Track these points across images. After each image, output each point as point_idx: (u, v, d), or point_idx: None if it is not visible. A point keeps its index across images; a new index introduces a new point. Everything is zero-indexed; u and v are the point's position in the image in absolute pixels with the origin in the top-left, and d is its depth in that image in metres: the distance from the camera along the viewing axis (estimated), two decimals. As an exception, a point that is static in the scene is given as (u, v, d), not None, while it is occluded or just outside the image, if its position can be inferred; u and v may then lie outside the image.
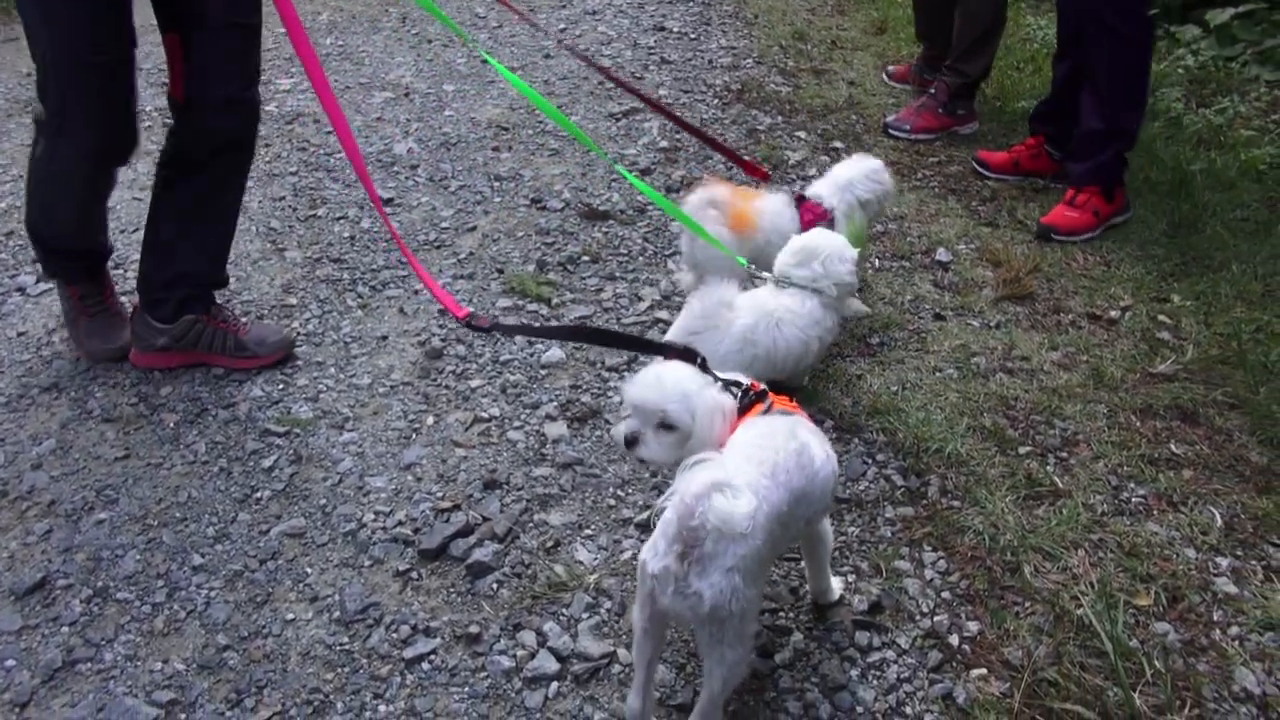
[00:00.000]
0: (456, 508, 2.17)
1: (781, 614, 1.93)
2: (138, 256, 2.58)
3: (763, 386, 1.81)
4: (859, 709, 1.75)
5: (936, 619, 1.92)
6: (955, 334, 2.78)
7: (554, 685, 1.79)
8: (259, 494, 2.22)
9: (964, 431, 2.38)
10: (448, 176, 3.63)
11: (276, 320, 2.81)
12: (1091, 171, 3.28)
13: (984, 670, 1.81)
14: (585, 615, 1.92)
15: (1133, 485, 2.25)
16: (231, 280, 2.93)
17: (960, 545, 2.07)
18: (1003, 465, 2.29)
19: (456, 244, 3.20)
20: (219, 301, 2.66)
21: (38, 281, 2.94)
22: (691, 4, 5.55)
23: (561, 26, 5.16)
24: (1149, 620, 1.91)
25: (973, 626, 1.90)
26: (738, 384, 1.80)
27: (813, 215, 2.62)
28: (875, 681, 1.80)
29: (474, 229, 3.29)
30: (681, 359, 1.81)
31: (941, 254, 3.17)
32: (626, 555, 2.06)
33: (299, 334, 2.75)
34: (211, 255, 2.60)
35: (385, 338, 2.75)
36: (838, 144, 3.88)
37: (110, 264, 2.75)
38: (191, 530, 2.13)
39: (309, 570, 2.03)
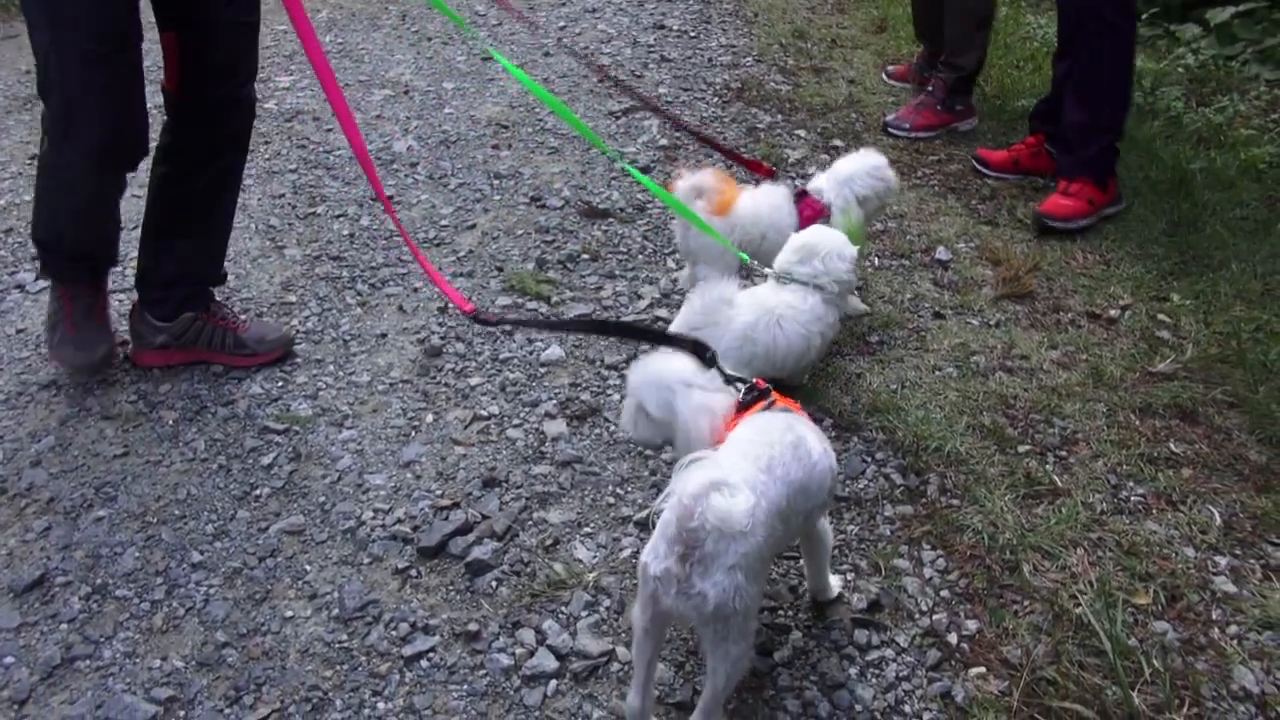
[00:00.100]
0: (456, 505, 2.17)
1: (781, 612, 1.93)
2: (136, 254, 2.58)
3: (767, 384, 1.81)
4: (858, 707, 1.75)
5: (935, 617, 1.92)
6: (955, 332, 2.78)
7: (553, 683, 1.79)
8: (258, 491, 2.22)
9: (963, 430, 2.38)
10: (447, 174, 3.63)
11: (276, 318, 2.81)
12: (1082, 163, 3.32)
13: (983, 669, 1.81)
14: (584, 613, 1.92)
15: (1132, 484, 2.25)
16: (231, 278, 2.93)
17: (959, 544, 2.08)
18: (1002, 464, 2.29)
19: (456, 242, 3.20)
20: (218, 299, 2.66)
21: (36, 279, 2.93)
22: (691, 2, 5.54)
23: (561, 24, 5.15)
24: (1148, 619, 1.91)
25: (971, 625, 1.90)
26: (743, 380, 1.79)
27: (812, 211, 2.61)
28: (874, 680, 1.80)
29: (473, 227, 3.29)
30: (692, 351, 1.82)
31: (941, 252, 3.17)
32: (626, 553, 2.06)
33: (298, 331, 2.75)
34: (210, 253, 2.60)
35: (384, 335, 2.75)
36: (838, 142, 3.87)
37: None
38: (190, 527, 2.13)
39: (308, 568, 2.03)
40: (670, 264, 3.08)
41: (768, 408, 1.74)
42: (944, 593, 1.98)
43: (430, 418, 2.44)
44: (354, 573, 2.02)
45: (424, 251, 3.14)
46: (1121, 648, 1.81)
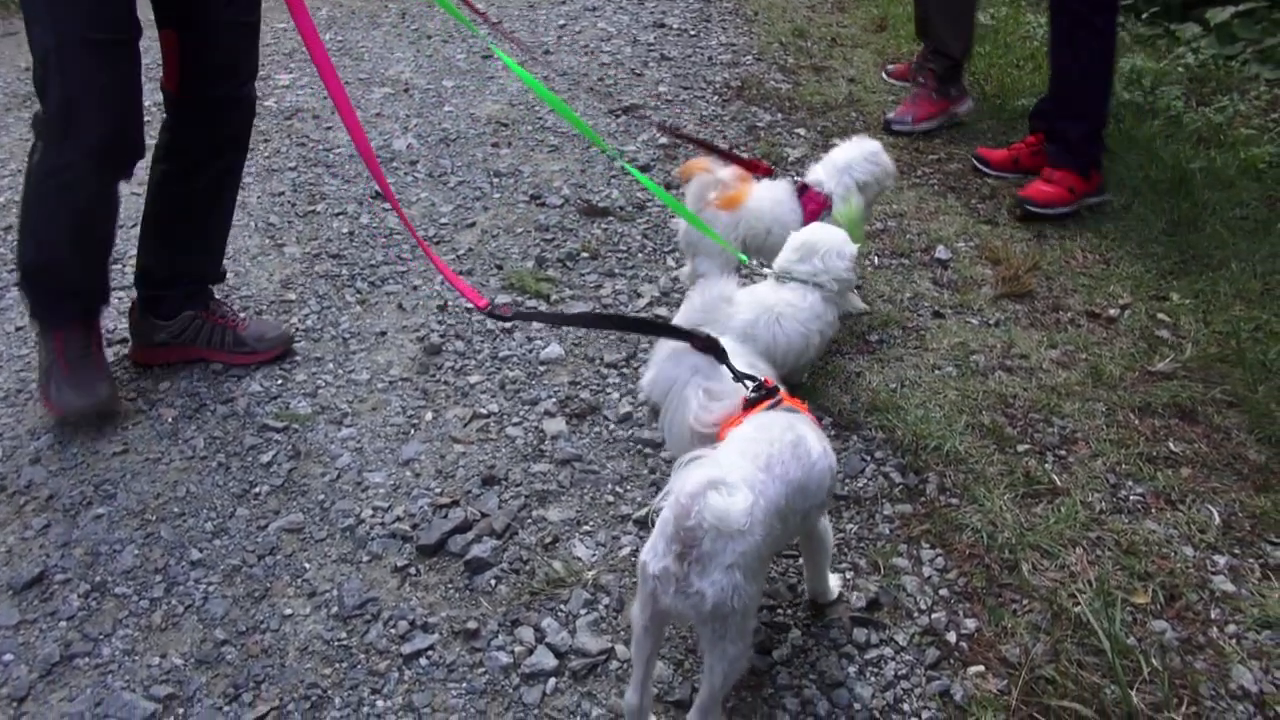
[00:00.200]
0: (455, 504, 2.17)
1: (779, 611, 1.93)
2: (134, 252, 2.57)
3: (775, 383, 1.80)
4: (856, 706, 1.75)
5: (934, 616, 1.92)
6: (954, 332, 2.78)
7: (552, 681, 1.79)
8: (257, 489, 2.22)
9: (962, 429, 2.38)
10: (447, 172, 3.63)
11: (275, 316, 2.81)
12: (1065, 152, 3.39)
13: (981, 667, 1.81)
14: (583, 611, 1.92)
15: (1131, 483, 2.25)
16: (230, 276, 2.93)
17: (958, 543, 2.08)
18: (1001, 463, 2.29)
19: (455, 240, 3.20)
20: (217, 297, 2.66)
21: (24, 320, 2.76)
22: (691, 0, 5.54)
23: (561, 22, 5.15)
24: (1146, 618, 1.91)
25: (970, 624, 1.90)
26: (752, 378, 1.79)
27: (816, 204, 2.62)
28: (873, 678, 1.80)
29: (473, 225, 3.29)
30: (703, 346, 1.84)
31: (941, 251, 3.17)
32: (625, 551, 2.06)
33: (298, 329, 2.75)
34: (209, 251, 2.60)
35: (384, 333, 2.75)
36: (837, 141, 3.82)
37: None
38: (190, 525, 2.13)
39: (307, 565, 2.03)
40: (670, 262, 3.08)
41: (773, 406, 1.74)
42: (943, 591, 1.98)
43: (429, 416, 2.44)
44: (353, 570, 2.02)
45: (424, 249, 3.14)
46: (1120, 646, 1.81)
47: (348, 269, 3.04)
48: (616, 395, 2.50)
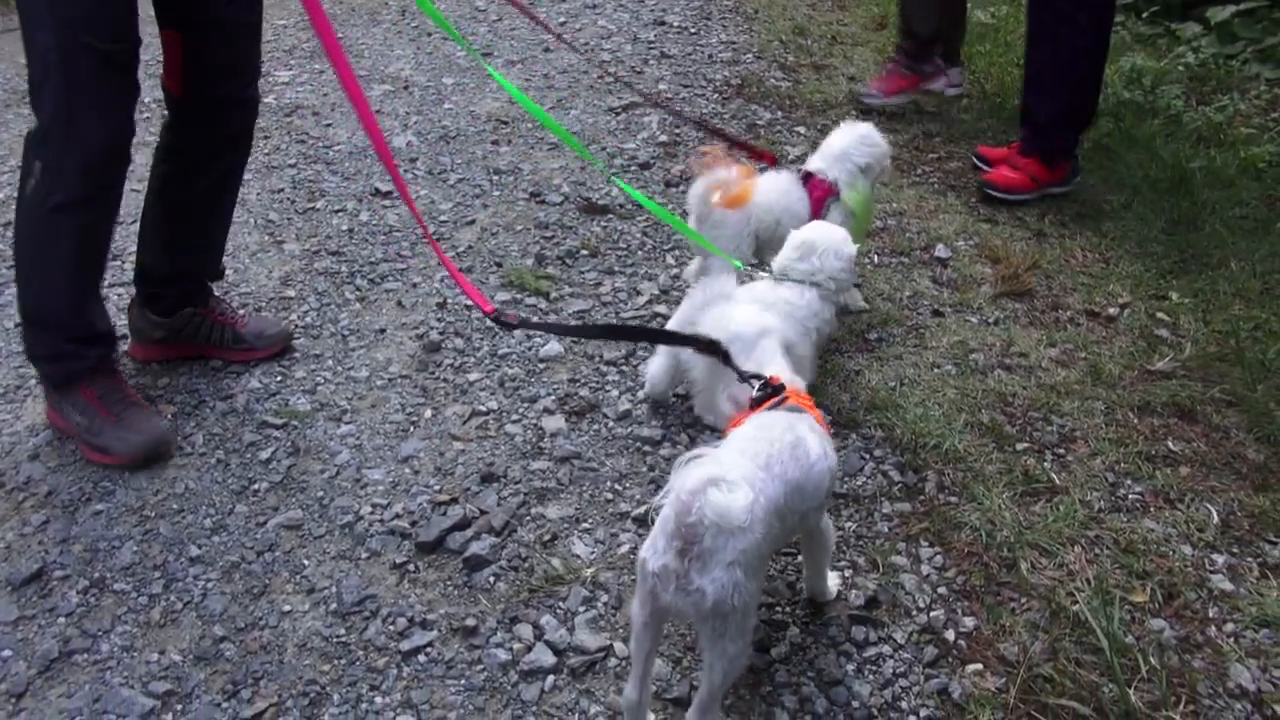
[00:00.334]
0: (454, 501, 2.17)
1: (778, 609, 1.93)
2: (133, 248, 2.57)
3: (782, 381, 1.80)
4: (855, 703, 1.75)
5: (933, 614, 1.92)
6: (954, 330, 2.78)
7: (550, 678, 1.79)
8: (256, 486, 2.22)
9: (962, 428, 2.38)
10: (446, 170, 3.63)
11: (275, 313, 2.81)
12: (1033, 138, 3.45)
13: (980, 666, 1.82)
14: (582, 609, 1.92)
15: (1130, 482, 2.25)
16: (229, 273, 2.93)
17: (957, 541, 2.08)
18: (1000, 462, 2.29)
19: (455, 237, 3.20)
20: (217, 294, 2.65)
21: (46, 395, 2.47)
22: (692, -2, 5.54)
23: (561, 20, 5.15)
24: (1145, 617, 1.91)
25: (969, 622, 1.90)
26: (758, 376, 1.79)
27: (821, 191, 2.62)
28: (871, 676, 1.81)
29: (473, 222, 3.29)
30: (707, 351, 1.87)
31: (940, 250, 3.17)
32: (624, 549, 2.06)
33: (297, 326, 2.75)
34: (209, 250, 2.59)
35: (383, 331, 2.75)
36: (837, 139, 3.87)
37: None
38: (189, 522, 2.13)
39: (306, 562, 2.03)
40: (670, 260, 3.08)
41: (778, 405, 1.73)
42: (941, 590, 1.98)
43: (429, 413, 2.44)
44: (352, 567, 2.02)
45: (426, 247, 3.14)
46: (1118, 645, 1.81)
47: (347, 266, 3.04)
48: (616, 393, 2.50)
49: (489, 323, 2.74)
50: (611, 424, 2.41)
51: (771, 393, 1.77)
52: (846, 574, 2.00)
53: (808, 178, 2.67)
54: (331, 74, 4.47)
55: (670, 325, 2.35)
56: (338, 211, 3.35)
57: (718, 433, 2.32)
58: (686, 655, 1.83)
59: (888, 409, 2.44)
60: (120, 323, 2.65)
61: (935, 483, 2.23)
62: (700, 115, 4.02)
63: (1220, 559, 2.05)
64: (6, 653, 1.84)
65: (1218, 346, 2.68)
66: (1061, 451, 2.34)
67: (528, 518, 2.14)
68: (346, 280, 2.97)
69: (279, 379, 2.55)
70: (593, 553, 2.05)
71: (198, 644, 1.86)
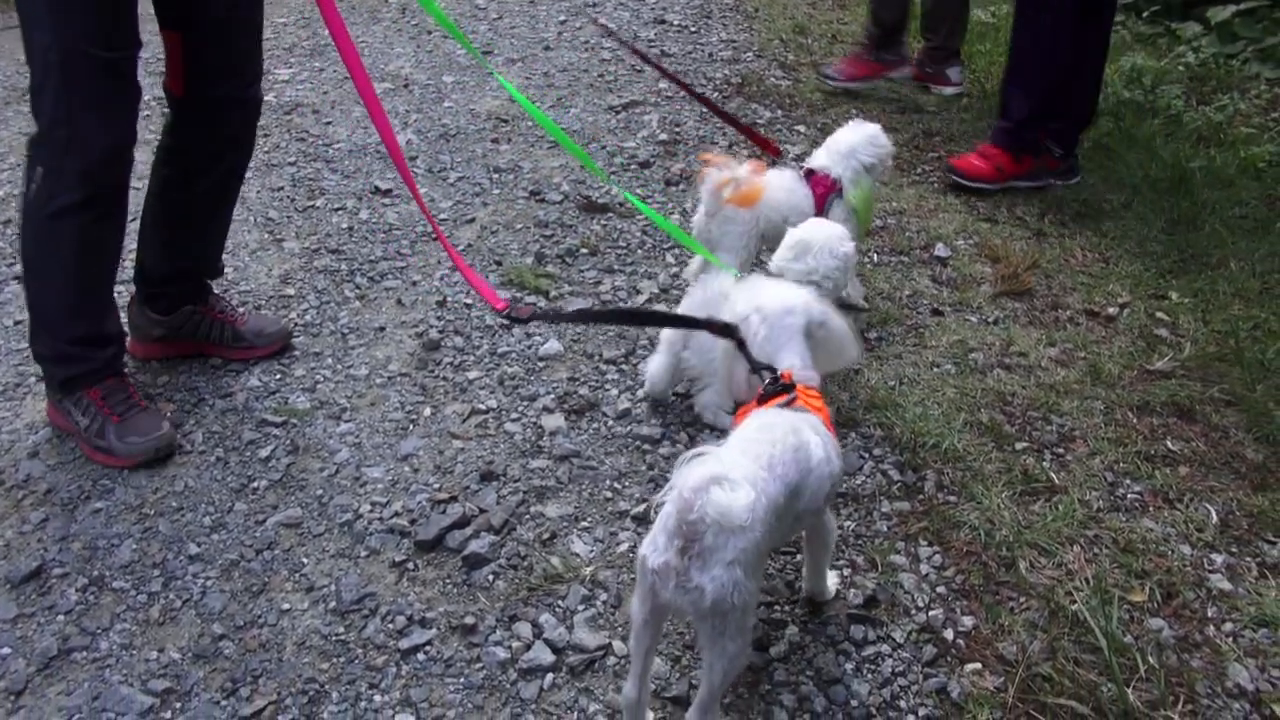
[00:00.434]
0: (453, 499, 2.17)
1: (777, 607, 1.93)
2: (133, 246, 2.57)
3: (793, 378, 1.79)
4: (853, 703, 1.75)
5: (931, 614, 1.92)
6: (953, 329, 2.78)
7: (549, 677, 1.79)
8: (255, 484, 2.22)
9: (961, 427, 2.38)
10: (446, 168, 3.63)
11: (274, 311, 2.81)
12: (1005, 132, 3.50)
13: (978, 665, 1.82)
14: (581, 607, 1.92)
15: (1129, 482, 2.25)
16: (229, 270, 2.93)
17: (956, 540, 2.08)
18: (999, 461, 2.29)
19: (455, 235, 3.20)
20: (216, 292, 2.65)
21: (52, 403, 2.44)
22: (692, -3, 5.53)
23: (561, 19, 5.15)
24: (1143, 616, 1.91)
25: (967, 621, 1.91)
26: (770, 369, 1.79)
27: (824, 188, 2.63)
28: (870, 675, 1.81)
29: (472, 221, 3.29)
30: (722, 334, 1.88)
31: (940, 249, 3.17)
32: (623, 548, 2.06)
33: (296, 325, 2.75)
34: (209, 249, 2.59)
35: (383, 329, 2.75)
36: (837, 138, 3.87)
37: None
38: (188, 520, 2.13)
39: (305, 560, 2.03)
40: (669, 259, 3.08)
41: (786, 404, 1.72)
42: (940, 589, 1.98)
43: (428, 411, 2.44)
44: (351, 565, 2.02)
45: (425, 245, 3.14)
46: (1117, 645, 1.82)
47: (347, 264, 3.04)
48: (615, 391, 2.50)
49: (488, 320, 2.76)
50: (611, 422, 2.41)
51: (780, 389, 1.75)
52: (845, 573, 2.00)
53: (810, 174, 2.68)
54: (331, 72, 4.48)
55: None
56: (338, 209, 3.35)
57: (718, 432, 2.32)
58: (685, 654, 1.83)
59: (887, 408, 2.44)
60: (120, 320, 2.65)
61: (934, 482, 2.23)
62: (700, 115, 4.02)
63: (1219, 558, 2.05)
64: (6, 650, 1.84)
65: (1217, 346, 2.68)
66: (1060, 451, 2.34)
67: (527, 516, 2.14)
68: (346, 278, 2.97)
69: (278, 377, 2.55)
70: (592, 551, 2.06)
71: (197, 642, 1.86)
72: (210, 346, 2.58)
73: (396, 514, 2.13)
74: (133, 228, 2.58)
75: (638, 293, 2.90)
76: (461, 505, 2.15)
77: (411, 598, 1.95)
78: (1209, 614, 1.92)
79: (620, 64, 4.55)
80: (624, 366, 2.60)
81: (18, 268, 2.96)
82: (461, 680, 1.79)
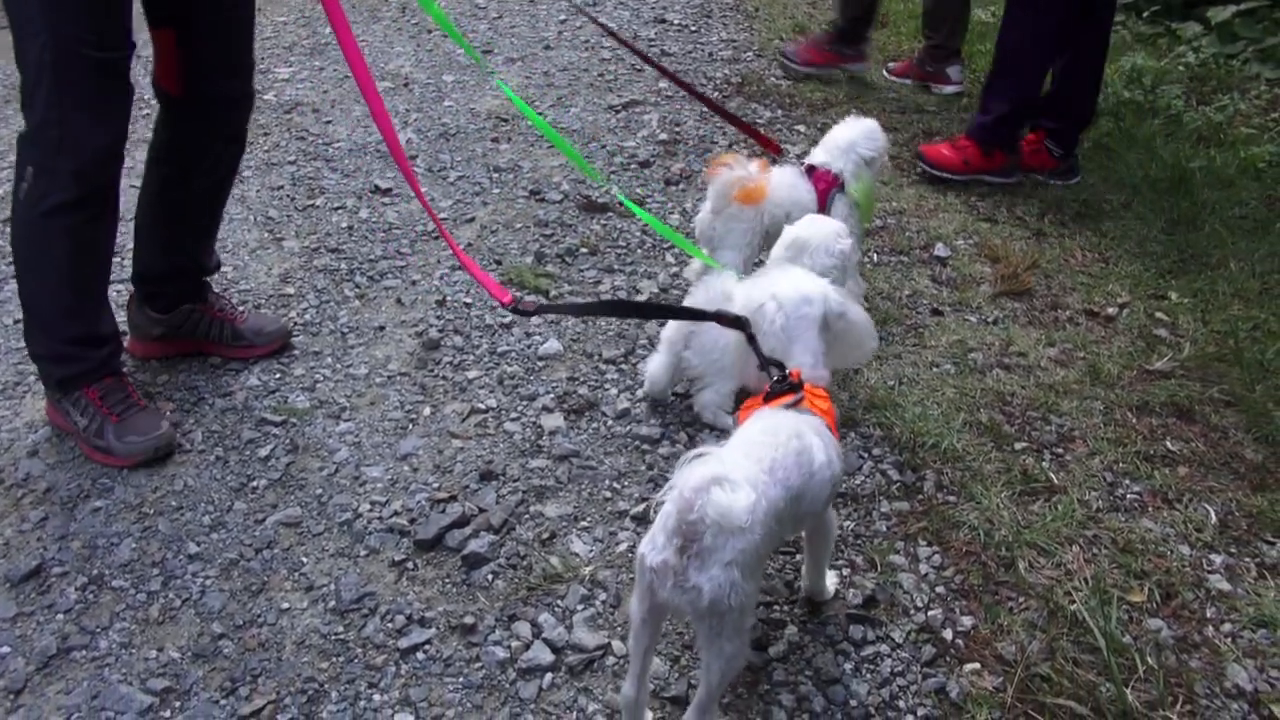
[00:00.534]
0: (453, 498, 2.17)
1: (776, 607, 1.93)
2: (131, 244, 2.56)
3: (801, 377, 1.78)
4: (852, 702, 1.75)
5: (930, 613, 1.92)
6: (953, 329, 2.78)
7: (548, 676, 1.79)
8: (255, 483, 2.22)
9: (960, 427, 2.38)
10: (446, 167, 3.63)
11: (274, 310, 2.81)
12: (978, 125, 3.53)
13: (977, 665, 1.82)
14: (580, 607, 1.92)
15: (1128, 482, 2.25)
16: (229, 269, 2.93)
17: (955, 540, 2.08)
18: (998, 461, 2.29)
19: (455, 235, 3.20)
20: (216, 290, 2.65)
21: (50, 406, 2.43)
22: (692, -4, 5.53)
23: (561, 18, 5.14)
24: (1142, 616, 1.91)
25: (967, 621, 1.91)
26: (779, 365, 1.78)
27: (826, 184, 2.64)
28: (869, 675, 1.81)
29: (472, 220, 3.29)
30: (732, 326, 1.87)
31: (940, 249, 3.17)
32: (622, 547, 2.06)
33: (296, 324, 2.75)
34: (207, 245, 2.59)
35: (382, 328, 2.75)
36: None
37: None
38: (187, 519, 2.13)
39: (304, 559, 2.03)
40: (669, 258, 3.08)
41: (792, 405, 1.71)
42: (939, 589, 1.98)
43: (428, 411, 2.44)
44: (350, 565, 2.02)
45: (425, 244, 3.14)
46: (1116, 645, 1.82)
47: (346, 263, 3.04)
48: (615, 391, 2.50)
49: (488, 320, 2.76)
50: (610, 422, 2.41)
51: (787, 389, 1.75)
52: (844, 573, 2.00)
53: (811, 170, 2.69)
54: (331, 71, 4.47)
55: (671, 325, 2.35)
56: (337, 209, 3.35)
57: (718, 431, 2.32)
58: (684, 654, 1.83)
59: (886, 408, 2.44)
60: (119, 319, 2.64)
61: (933, 482, 2.23)
62: (700, 114, 4.02)
63: (1218, 559, 2.05)
64: (5, 649, 1.84)
65: (1216, 346, 2.69)
66: (1060, 451, 2.34)
67: (526, 516, 2.14)
68: (346, 278, 2.97)
69: (278, 376, 2.55)
70: (591, 551, 2.06)
71: (196, 641, 1.86)
72: (210, 345, 2.58)
73: (396, 513, 2.14)
74: (131, 225, 2.59)
75: (638, 292, 2.90)
76: (461, 505, 2.15)
77: (411, 597, 1.95)
78: (1208, 614, 1.92)
79: (620, 63, 4.55)
80: (623, 366, 2.60)
81: (17, 266, 2.96)
82: (461, 680, 1.79)
